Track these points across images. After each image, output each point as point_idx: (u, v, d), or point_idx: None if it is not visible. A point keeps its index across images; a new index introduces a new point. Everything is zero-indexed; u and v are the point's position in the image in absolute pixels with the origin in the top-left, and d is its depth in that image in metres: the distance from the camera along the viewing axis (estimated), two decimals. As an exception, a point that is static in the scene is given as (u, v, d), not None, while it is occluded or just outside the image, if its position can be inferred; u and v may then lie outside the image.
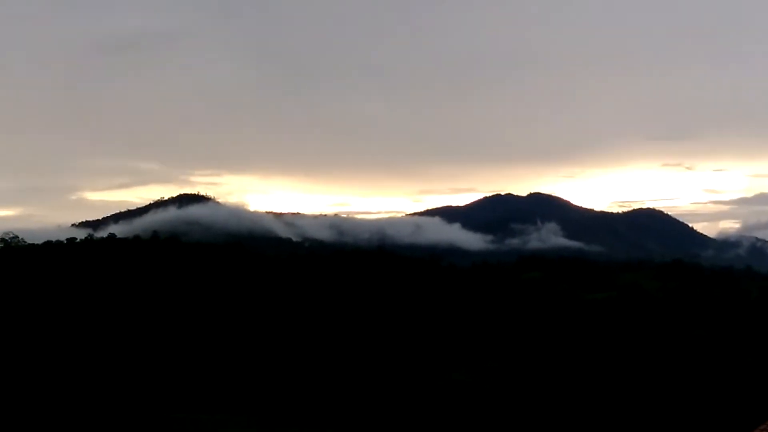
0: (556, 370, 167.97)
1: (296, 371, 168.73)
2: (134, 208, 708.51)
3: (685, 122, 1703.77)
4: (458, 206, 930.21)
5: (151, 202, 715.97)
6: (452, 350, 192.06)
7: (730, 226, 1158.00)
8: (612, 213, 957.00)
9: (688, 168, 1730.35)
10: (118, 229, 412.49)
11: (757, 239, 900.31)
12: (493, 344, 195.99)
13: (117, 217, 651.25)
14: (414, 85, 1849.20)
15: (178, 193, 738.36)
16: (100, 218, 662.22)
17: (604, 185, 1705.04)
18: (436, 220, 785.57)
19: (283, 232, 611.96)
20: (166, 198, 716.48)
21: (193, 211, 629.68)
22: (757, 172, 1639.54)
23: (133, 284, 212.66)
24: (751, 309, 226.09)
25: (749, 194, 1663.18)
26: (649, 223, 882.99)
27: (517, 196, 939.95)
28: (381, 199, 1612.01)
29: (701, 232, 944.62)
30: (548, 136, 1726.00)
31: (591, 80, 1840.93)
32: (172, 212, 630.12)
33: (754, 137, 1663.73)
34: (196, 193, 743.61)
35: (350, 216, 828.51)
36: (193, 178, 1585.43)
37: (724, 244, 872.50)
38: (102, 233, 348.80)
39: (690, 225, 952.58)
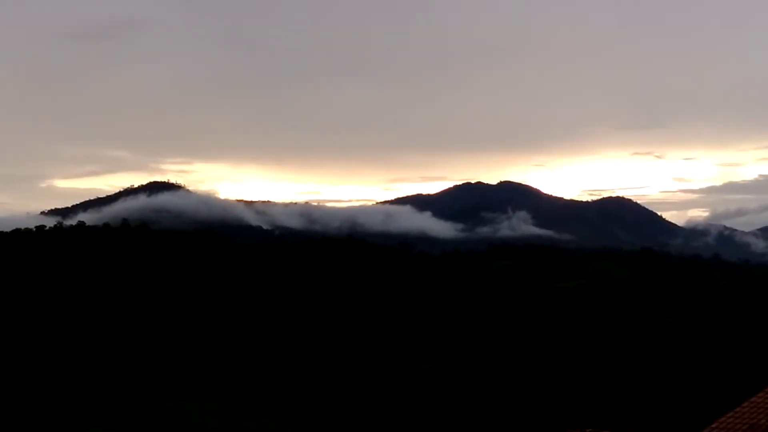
0: (527, 357, 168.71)
1: (267, 359, 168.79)
2: (104, 196, 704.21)
3: (656, 111, 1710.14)
4: (429, 194, 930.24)
5: (121, 189, 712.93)
6: (423, 338, 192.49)
7: (698, 214, 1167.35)
8: (582, 201, 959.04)
9: (657, 157, 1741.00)
10: (88, 217, 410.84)
11: (725, 227, 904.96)
12: (463, 332, 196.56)
13: (86, 205, 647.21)
14: (385, 74, 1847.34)
15: (148, 181, 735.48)
16: (69, 206, 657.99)
17: (575, 174, 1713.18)
18: (407, 208, 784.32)
19: (253, 220, 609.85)
20: (136, 186, 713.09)
21: (164, 199, 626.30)
22: (726, 161, 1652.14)
23: (103, 272, 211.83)
24: (720, 297, 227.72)
25: (718, 183, 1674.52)
26: (618, 212, 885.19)
27: (487, 184, 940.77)
28: (351, 187, 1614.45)
29: (670, 220, 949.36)
30: (519, 125, 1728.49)
31: (562, 70, 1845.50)
32: (142, 200, 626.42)
33: (723, 126, 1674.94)
34: (167, 181, 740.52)
35: (321, 204, 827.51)
36: (163, 166, 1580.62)
37: (692, 232, 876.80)
38: (71, 221, 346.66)
39: (659, 213, 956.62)
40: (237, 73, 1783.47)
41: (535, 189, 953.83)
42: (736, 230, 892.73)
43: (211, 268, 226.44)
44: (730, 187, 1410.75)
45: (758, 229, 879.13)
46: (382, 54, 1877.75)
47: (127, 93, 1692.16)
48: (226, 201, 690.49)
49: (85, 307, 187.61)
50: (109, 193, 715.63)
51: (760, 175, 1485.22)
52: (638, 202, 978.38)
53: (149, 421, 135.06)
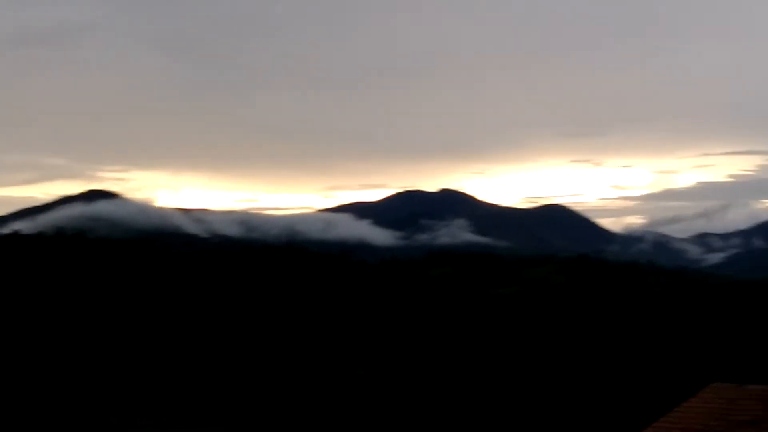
0: (463, 363, 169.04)
1: (202, 368, 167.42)
2: (40, 204, 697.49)
3: (594, 119, 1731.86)
4: (368, 202, 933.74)
5: (58, 198, 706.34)
6: (360, 346, 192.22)
7: (635, 221, 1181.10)
8: (520, 209, 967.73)
9: (595, 164, 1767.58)
10: (23, 226, 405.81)
11: (661, 234, 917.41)
12: (400, 339, 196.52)
13: (21, 214, 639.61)
14: (324, 80, 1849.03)
15: (85, 189, 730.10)
16: (4, 215, 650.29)
17: (513, 181, 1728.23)
18: (347, 216, 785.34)
19: (191, 228, 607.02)
20: (72, 194, 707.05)
21: (101, 207, 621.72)
22: (663, 168, 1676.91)
23: (37, 281, 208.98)
24: (655, 303, 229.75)
25: (655, 190, 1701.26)
26: (556, 219, 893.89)
27: (426, 192, 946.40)
28: (291, 195, 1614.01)
29: (607, 227, 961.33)
30: (458, 133, 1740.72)
31: (501, 77, 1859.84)
32: (79, 208, 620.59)
33: (660, 134, 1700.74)
34: (104, 189, 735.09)
35: (260, 212, 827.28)
36: (100, 174, 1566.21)
37: (629, 239, 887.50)
38: (5, 230, 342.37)
39: (596, 220, 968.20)
40: (175, 81, 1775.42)
41: (474, 196, 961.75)
42: (671, 237, 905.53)
43: (148, 276, 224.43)
44: (667, 194, 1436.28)
45: (694, 236, 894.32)
46: (320, 62, 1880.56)
47: (64, 100, 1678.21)
48: (163, 209, 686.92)
49: (17, 317, 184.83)
50: (45, 202, 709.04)
51: (697, 183, 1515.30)
52: (576, 209, 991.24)
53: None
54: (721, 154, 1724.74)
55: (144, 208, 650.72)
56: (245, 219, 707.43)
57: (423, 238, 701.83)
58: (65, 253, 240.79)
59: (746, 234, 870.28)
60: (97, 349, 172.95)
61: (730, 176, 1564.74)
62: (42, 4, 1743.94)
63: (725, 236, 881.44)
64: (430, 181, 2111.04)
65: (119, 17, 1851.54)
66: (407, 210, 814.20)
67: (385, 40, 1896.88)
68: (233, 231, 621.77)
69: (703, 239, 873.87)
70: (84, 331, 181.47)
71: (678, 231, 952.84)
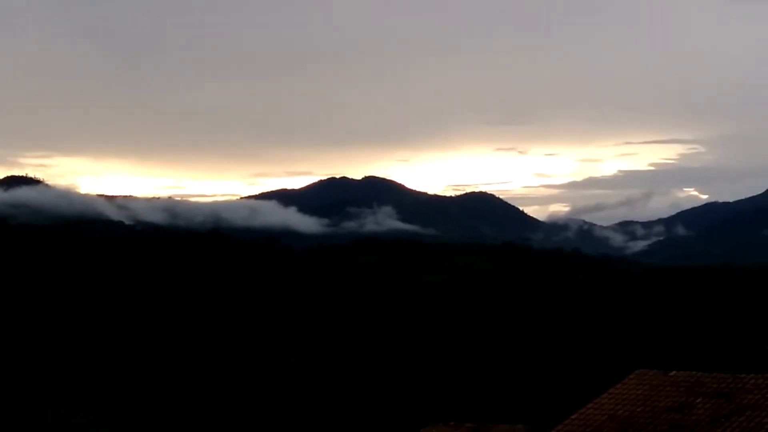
0: (389, 350, 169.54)
1: (126, 356, 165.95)
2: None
3: (518, 107, 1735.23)
4: (294, 189, 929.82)
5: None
6: (286, 333, 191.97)
7: (559, 209, 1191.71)
8: (446, 196, 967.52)
9: (520, 152, 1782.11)
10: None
11: (585, 222, 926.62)
12: (326, 326, 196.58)
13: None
14: (248, 67, 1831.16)
15: (5, 175, 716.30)
16: None
17: (439, 169, 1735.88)
18: (272, 203, 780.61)
19: (114, 215, 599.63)
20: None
21: (21, 193, 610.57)
22: (586, 157, 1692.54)
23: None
24: (580, 290, 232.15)
25: (578, 178, 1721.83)
26: (482, 207, 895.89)
27: (352, 179, 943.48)
28: (215, 182, 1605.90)
29: (532, 215, 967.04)
30: (383, 120, 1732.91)
31: (425, 64, 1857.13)
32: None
33: (583, 122, 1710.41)
34: (25, 175, 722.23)
35: (184, 199, 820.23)
36: (21, 160, 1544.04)
37: (553, 227, 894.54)
38: None
39: (521, 208, 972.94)
40: (98, 65, 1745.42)
41: (400, 184, 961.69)
42: (595, 225, 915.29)
43: (71, 263, 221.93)
44: (590, 183, 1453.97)
45: (616, 224, 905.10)
46: (245, 49, 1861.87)
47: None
48: (86, 195, 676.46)
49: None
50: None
51: (619, 171, 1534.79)
52: (501, 197, 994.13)
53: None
54: (643, 142, 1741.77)
55: (67, 195, 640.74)
56: (169, 206, 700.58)
57: (349, 225, 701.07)
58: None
59: (668, 222, 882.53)
60: (19, 337, 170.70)
61: (652, 165, 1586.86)
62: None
63: (647, 224, 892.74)
64: (356, 168, 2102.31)
65: (41, 2, 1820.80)
66: (333, 197, 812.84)
67: (310, 27, 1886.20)
68: (157, 218, 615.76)
69: (625, 227, 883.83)
70: (5, 318, 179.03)
71: (601, 219, 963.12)
